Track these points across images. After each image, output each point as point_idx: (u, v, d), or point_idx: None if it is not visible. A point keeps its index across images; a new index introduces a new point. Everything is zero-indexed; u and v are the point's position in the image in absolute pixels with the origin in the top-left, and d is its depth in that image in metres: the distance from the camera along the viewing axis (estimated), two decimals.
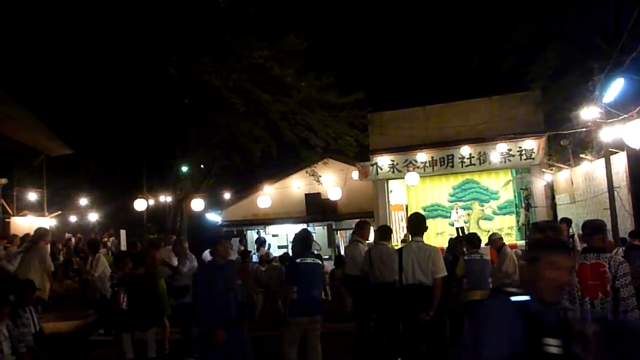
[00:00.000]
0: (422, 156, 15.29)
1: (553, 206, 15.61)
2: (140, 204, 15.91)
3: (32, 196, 15.35)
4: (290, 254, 11.05)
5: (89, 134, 18.62)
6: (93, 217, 18.54)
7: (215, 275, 5.43)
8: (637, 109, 6.67)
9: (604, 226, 4.46)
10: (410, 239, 6.08)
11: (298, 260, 5.96)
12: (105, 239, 15.89)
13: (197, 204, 15.85)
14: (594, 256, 4.17)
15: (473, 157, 15.13)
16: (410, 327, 5.75)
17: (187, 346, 7.89)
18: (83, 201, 17.99)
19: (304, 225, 19.08)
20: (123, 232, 16.16)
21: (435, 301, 5.60)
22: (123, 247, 15.24)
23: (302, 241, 6.25)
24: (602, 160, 11.22)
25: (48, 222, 15.69)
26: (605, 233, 4.40)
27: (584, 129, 12.08)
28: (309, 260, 5.96)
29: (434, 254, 5.71)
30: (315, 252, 13.57)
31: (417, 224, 6.03)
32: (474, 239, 7.57)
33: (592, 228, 4.43)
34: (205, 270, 6.02)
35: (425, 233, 6.05)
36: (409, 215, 11.55)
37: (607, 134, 10.20)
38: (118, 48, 14.48)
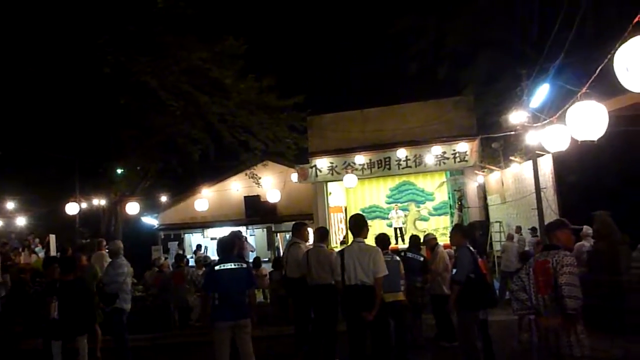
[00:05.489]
0: (360, 158, 15.51)
1: (485, 207, 16.21)
2: (72, 208, 15.34)
3: None
4: None
5: (17, 134, 17.81)
6: (21, 221, 17.67)
7: None
8: (557, 114, 7.02)
9: (559, 224, 4.57)
10: (351, 240, 6.15)
11: (216, 268, 5.94)
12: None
13: (132, 208, 15.45)
14: (545, 254, 4.36)
15: (409, 159, 15.46)
16: (354, 328, 5.82)
17: (121, 354, 7.70)
18: (10, 205, 17.10)
19: (244, 228, 18.95)
20: (53, 237, 15.49)
21: (377, 300, 5.70)
22: (53, 252, 14.64)
23: (223, 246, 6.23)
24: (530, 162, 11.78)
25: None
26: (561, 230, 4.47)
27: (513, 133, 12.62)
28: (230, 265, 5.94)
29: (375, 254, 5.80)
30: (250, 253, 13.53)
31: (357, 224, 6.11)
32: (383, 240, 7.46)
33: (548, 227, 4.68)
34: None
35: (365, 235, 6.12)
36: (348, 217, 11.69)
37: (533, 137, 10.69)
38: (49, 44, 13.94)
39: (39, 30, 13.77)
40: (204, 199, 16.92)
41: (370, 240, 6.19)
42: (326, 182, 16.83)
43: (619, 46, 3.96)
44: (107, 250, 9.78)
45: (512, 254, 11.68)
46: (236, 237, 6.76)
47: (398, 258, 7.53)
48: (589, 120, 5.04)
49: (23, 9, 13.50)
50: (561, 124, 6.29)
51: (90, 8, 13.52)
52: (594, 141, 5.20)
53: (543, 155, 11.81)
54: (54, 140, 17.83)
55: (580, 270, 4.55)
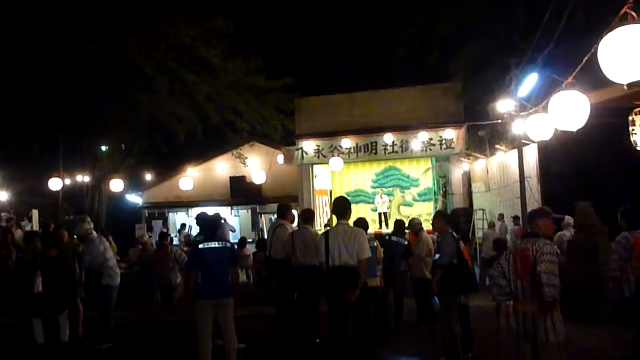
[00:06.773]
0: (347, 142, 15.52)
1: (469, 194, 16.32)
2: (55, 184, 15.20)
3: None
4: None
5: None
6: (3, 196, 17.47)
7: None
8: (543, 103, 7.05)
9: (542, 213, 4.65)
10: (335, 222, 6.17)
11: (200, 246, 5.95)
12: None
13: (116, 185, 15.33)
14: (526, 241, 4.43)
15: (396, 144, 15.50)
16: (336, 309, 5.86)
17: (104, 331, 7.69)
18: None
19: (228, 209, 18.93)
20: (35, 212, 15.36)
21: (360, 281, 5.75)
22: (35, 227, 14.53)
23: (206, 225, 6.24)
24: (515, 151, 11.86)
25: None
26: (542, 218, 4.51)
27: (499, 121, 12.68)
28: (214, 244, 5.95)
29: (359, 236, 5.83)
30: (231, 233, 13.51)
31: (341, 207, 6.13)
32: (362, 224, 7.33)
33: (530, 215, 4.81)
34: None
35: (349, 217, 6.15)
36: (333, 199, 11.73)
37: (519, 127, 10.75)
38: (34, 18, 13.68)
39: (23, 3, 13.49)
40: (189, 178, 16.84)
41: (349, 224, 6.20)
42: (312, 164, 16.84)
43: (604, 36, 3.95)
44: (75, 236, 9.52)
45: (492, 242, 11.79)
46: (214, 217, 6.76)
47: (376, 244, 7.57)
48: (570, 110, 5.04)
49: None
50: (545, 113, 6.32)
51: None
52: (573, 132, 5.21)
53: (528, 144, 11.90)
54: (38, 116, 17.59)
55: (560, 259, 4.61)
